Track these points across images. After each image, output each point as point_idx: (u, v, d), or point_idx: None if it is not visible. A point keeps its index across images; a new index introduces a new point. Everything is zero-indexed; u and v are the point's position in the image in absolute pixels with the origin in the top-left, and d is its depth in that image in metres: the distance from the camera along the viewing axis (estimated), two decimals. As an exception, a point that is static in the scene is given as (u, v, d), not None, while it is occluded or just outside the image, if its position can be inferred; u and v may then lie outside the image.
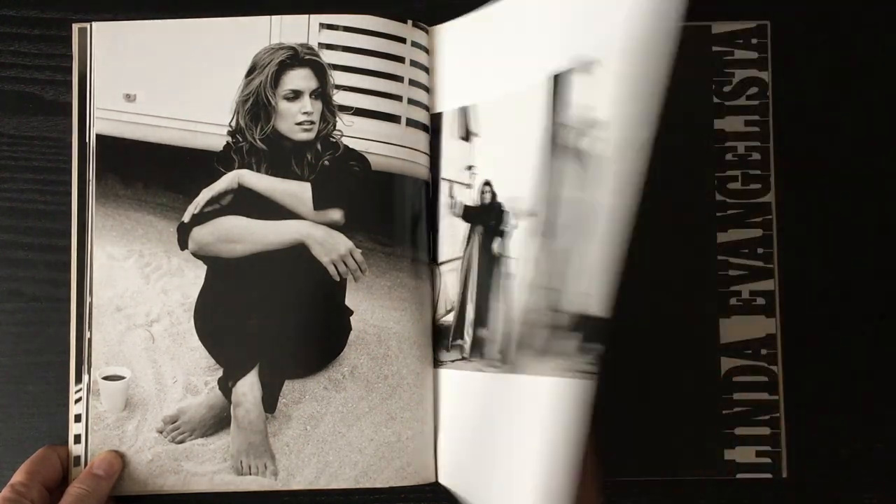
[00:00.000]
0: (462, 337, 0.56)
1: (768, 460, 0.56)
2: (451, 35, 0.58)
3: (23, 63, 0.60)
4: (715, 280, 0.57)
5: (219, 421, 0.56)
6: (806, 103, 0.60)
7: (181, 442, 0.56)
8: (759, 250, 0.58)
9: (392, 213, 0.57)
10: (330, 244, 0.56)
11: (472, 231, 0.56)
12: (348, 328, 0.56)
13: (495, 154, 0.55)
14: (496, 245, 0.54)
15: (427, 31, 0.58)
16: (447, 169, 0.58)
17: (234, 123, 0.57)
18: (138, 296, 0.57)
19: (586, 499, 0.47)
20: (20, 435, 0.57)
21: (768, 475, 0.56)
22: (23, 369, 0.58)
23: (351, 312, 0.56)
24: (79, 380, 0.56)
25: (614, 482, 0.58)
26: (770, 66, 0.59)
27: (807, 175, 0.59)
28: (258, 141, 0.57)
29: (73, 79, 0.58)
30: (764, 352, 0.57)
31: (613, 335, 0.57)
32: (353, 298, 0.57)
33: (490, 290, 0.55)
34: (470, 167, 0.56)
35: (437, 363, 0.57)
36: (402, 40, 0.58)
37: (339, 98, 0.57)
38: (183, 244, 0.57)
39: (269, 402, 0.56)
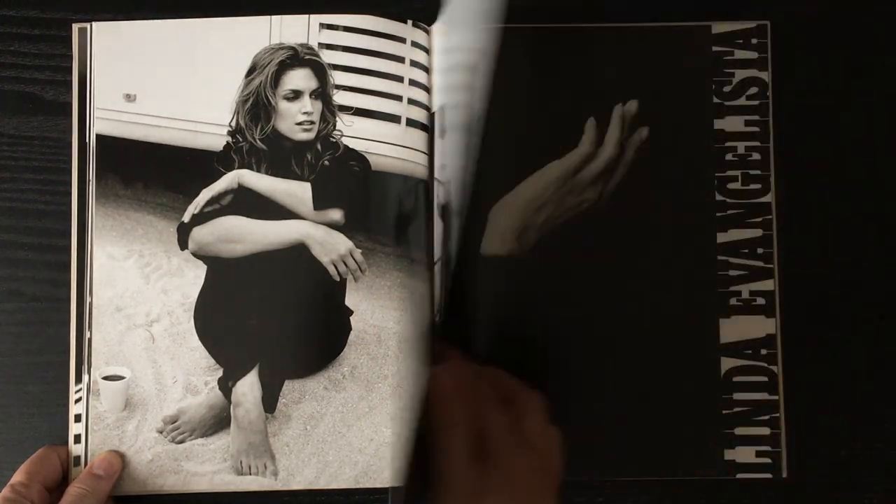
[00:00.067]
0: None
1: (768, 460, 0.56)
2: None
3: (23, 63, 0.60)
4: (715, 280, 0.57)
5: (219, 421, 0.56)
6: (806, 103, 0.60)
7: (181, 442, 0.56)
8: (759, 250, 0.58)
9: (392, 213, 0.57)
10: (330, 244, 0.56)
11: (446, 229, 0.56)
12: (348, 328, 0.56)
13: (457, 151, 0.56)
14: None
15: (427, 31, 0.58)
16: (438, 167, 0.58)
17: (234, 123, 0.57)
18: (138, 296, 0.57)
19: None
20: (20, 435, 0.57)
21: (768, 475, 0.56)
22: (23, 369, 0.58)
23: (351, 312, 0.56)
24: (79, 380, 0.56)
25: (614, 482, 0.58)
26: (770, 66, 0.59)
27: (807, 175, 0.59)
28: (258, 141, 0.57)
29: (73, 79, 0.58)
30: (764, 352, 0.57)
31: (613, 335, 0.57)
32: (353, 298, 0.57)
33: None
34: (443, 165, 0.57)
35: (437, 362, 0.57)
36: (402, 40, 0.58)
37: (339, 98, 0.57)
38: (183, 244, 0.57)
39: (269, 402, 0.56)
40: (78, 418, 0.55)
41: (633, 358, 0.57)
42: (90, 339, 0.56)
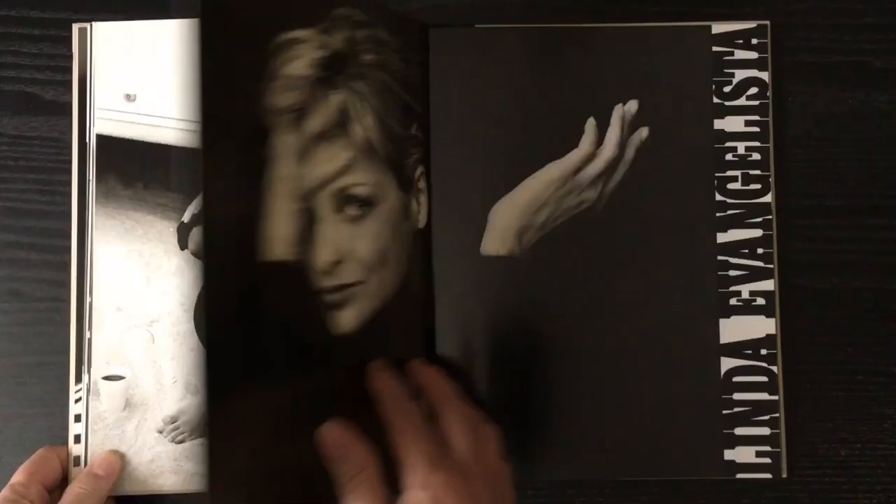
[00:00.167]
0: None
1: (768, 460, 0.56)
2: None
3: (23, 63, 0.60)
4: (715, 280, 0.57)
5: (219, 421, 0.56)
6: (806, 103, 0.60)
7: (181, 442, 0.56)
8: (759, 250, 0.58)
9: None
10: None
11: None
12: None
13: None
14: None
15: (427, 31, 0.58)
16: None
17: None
18: (138, 296, 0.57)
19: None
20: (20, 435, 0.57)
21: (768, 475, 0.56)
22: (23, 369, 0.58)
23: None
24: (79, 380, 0.56)
25: (614, 482, 0.58)
26: (770, 66, 0.59)
27: (807, 175, 0.59)
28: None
29: (73, 79, 0.58)
30: (764, 352, 0.57)
31: (613, 335, 0.57)
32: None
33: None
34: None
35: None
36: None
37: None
38: (183, 244, 0.57)
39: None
40: (78, 418, 0.55)
41: (633, 358, 0.57)
42: (90, 340, 0.56)
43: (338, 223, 0.51)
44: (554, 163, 0.58)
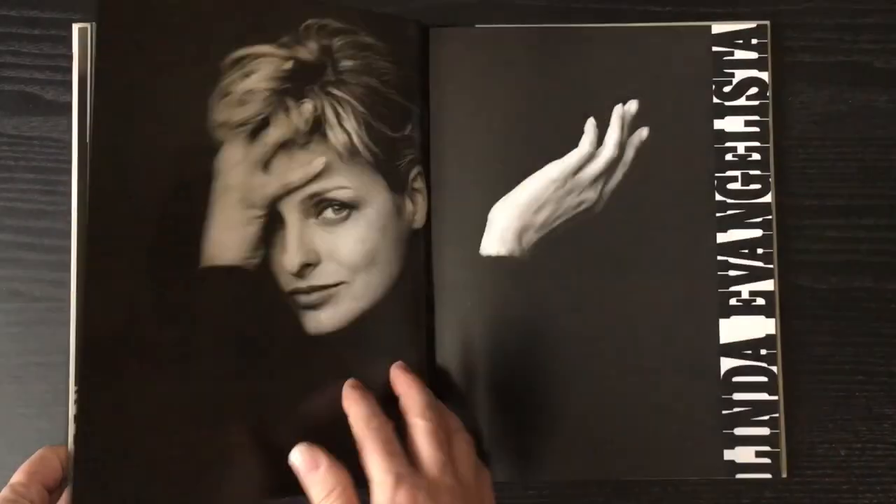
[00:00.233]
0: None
1: (768, 461, 0.56)
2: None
3: (23, 63, 0.60)
4: (715, 280, 0.57)
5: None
6: (806, 103, 0.60)
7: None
8: (759, 250, 0.58)
9: None
10: None
11: None
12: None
13: None
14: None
15: (427, 31, 0.58)
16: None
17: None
18: (138, 296, 0.57)
19: None
20: (20, 435, 0.57)
21: (768, 475, 0.56)
22: (23, 369, 0.58)
23: None
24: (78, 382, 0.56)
25: (614, 482, 0.58)
26: (770, 66, 0.59)
27: (807, 175, 0.59)
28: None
29: (73, 79, 0.58)
30: (763, 352, 0.57)
31: (612, 335, 0.57)
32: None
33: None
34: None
35: (436, 363, 0.57)
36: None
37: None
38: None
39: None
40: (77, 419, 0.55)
41: (633, 358, 0.57)
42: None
43: (311, 227, 0.53)
44: (554, 163, 0.58)
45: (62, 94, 0.59)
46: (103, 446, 0.49)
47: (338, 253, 0.54)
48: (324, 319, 0.54)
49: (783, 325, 0.58)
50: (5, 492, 0.51)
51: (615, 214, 0.57)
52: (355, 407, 0.50)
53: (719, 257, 0.57)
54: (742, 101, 0.58)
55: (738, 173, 0.58)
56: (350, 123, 0.54)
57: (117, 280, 0.50)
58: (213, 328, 0.51)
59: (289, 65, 0.53)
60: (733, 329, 0.57)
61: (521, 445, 0.56)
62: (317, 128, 0.54)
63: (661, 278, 0.57)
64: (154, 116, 0.50)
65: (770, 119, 0.59)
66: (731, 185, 0.58)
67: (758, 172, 0.58)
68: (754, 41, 0.59)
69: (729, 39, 0.59)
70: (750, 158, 0.58)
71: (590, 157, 0.58)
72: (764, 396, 0.57)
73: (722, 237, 0.58)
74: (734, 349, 0.57)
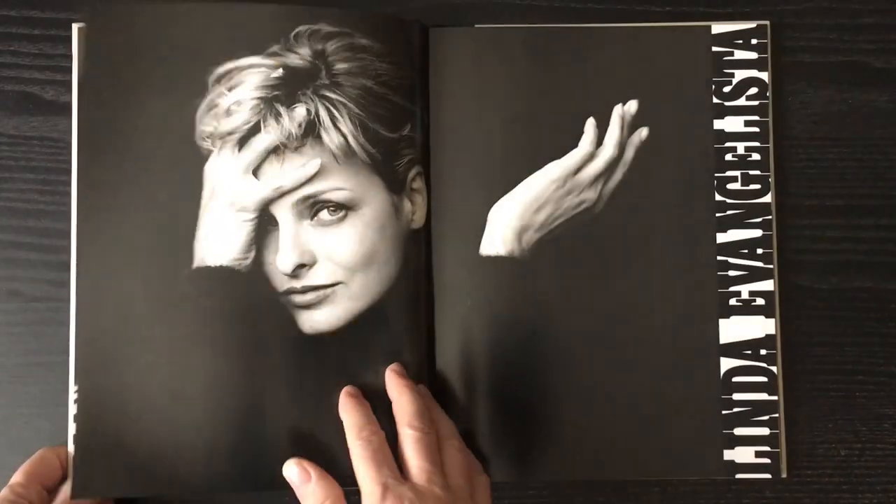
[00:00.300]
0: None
1: (767, 461, 0.56)
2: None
3: (23, 63, 0.60)
4: (714, 280, 0.57)
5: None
6: (806, 104, 0.60)
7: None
8: (759, 250, 0.58)
9: None
10: None
11: None
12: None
13: None
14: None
15: (427, 31, 0.58)
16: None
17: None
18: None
19: None
20: (20, 435, 0.57)
21: (767, 475, 0.56)
22: (23, 369, 0.58)
23: None
24: (77, 379, 0.56)
25: (614, 482, 0.58)
26: (770, 66, 0.59)
27: (807, 175, 0.59)
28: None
29: (73, 79, 0.58)
30: (763, 352, 0.57)
31: (612, 335, 0.57)
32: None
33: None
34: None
35: (436, 363, 0.57)
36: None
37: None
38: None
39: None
40: (77, 419, 0.55)
41: (633, 358, 0.57)
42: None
43: (306, 228, 0.54)
44: (554, 163, 0.58)
45: (62, 94, 0.59)
46: (102, 433, 0.53)
47: (334, 253, 0.55)
48: (320, 319, 0.55)
49: (783, 325, 0.58)
50: (5, 492, 0.51)
51: (615, 214, 0.57)
52: (349, 415, 0.51)
53: (719, 257, 0.57)
54: (742, 102, 0.58)
55: (737, 173, 0.58)
56: (345, 125, 0.55)
57: (114, 280, 0.54)
58: (206, 326, 0.54)
59: (278, 73, 0.55)
60: (733, 329, 0.57)
61: (521, 445, 0.56)
62: (311, 131, 0.54)
63: (660, 278, 0.57)
64: (143, 129, 0.54)
65: (770, 119, 0.59)
66: (731, 185, 0.58)
67: (758, 172, 0.58)
68: (754, 41, 0.59)
69: (729, 39, 0.59)
70: (750, 158, 0.58)
71: (590, 157, 0.58)
72: (764, 396, 0.57)
73: (722, 237, 0.58)
74: (734, 349, 0.57)
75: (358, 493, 0.49)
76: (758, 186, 0.58)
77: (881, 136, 0.59)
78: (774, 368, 0.57)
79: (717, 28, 0.59)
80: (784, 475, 0.57)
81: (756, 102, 0.58)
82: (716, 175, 0.58)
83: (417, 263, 0.56)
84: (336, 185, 0.55)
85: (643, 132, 0.58)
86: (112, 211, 0.54)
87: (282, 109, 0.54)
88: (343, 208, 0.55)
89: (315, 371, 0.54)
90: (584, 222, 0.57)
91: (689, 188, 0.58)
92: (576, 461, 0.56)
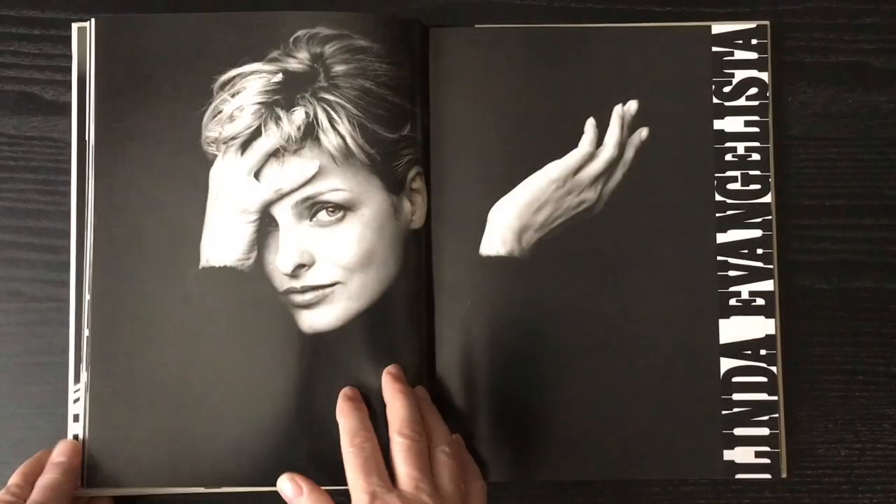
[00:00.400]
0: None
1: (767, 461, 0.56)
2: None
3: (23, 63, 0.60)
4: (714, 280, 0.57)
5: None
6: (806, 103, 0.60)
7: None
8: (759, 251, 0.58)
9: None
10: None
11: None
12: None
13: None
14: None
15: (427, 31, 0.58)
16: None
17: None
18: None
19: None
20: (20, 435, 0.57)
21: (767, 476, 0.56)
22: (23, 369, 0.58)
23: None
24: (77, 379, 0.56)
25: (614, 482, 0.58)
26: (770, 67, 0.59)
27: (807, 175, 0.59)
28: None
29: (73, 79, 0.58)
30: (763, 352, 0.57)
31: (612, 335, 0.57)
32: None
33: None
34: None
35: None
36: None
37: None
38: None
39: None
40: (76, 418, 0.55)
41: (633, 358, 0.57)
42: (88, 338, 0.56)
43: (305, 229, 0.55)
44: (554, 163, 0.58)
45: (62, 94, 0.59)
46: (112, 427, 0.55)
47: (333, 254, 0.55)
48: (319, 319, 0.55)
49: (783, 326, 0.58)
50: (2, 493, 0.51)
51: (615, 214, 0.57)
52: (344, 419, 0.52)
53: (719, 257, 0.57)
54: (742, 102, 0.58)
55: (737, 173, 0.58)
56: (344, 126, 0.55)
57: (126, 280, 0.55)
58: (212, 325, 0.55)
59: (278, 77, 0.56)
60: (733, 329, 0.57)
61: (521, 445, 0.56)
62: (310, 133, 0.55)
63: (660, 278, 0.57)
64: (153, 136, 0.56)
65: (770, 119, 0.59)
66: (730, 186, 0.58)
67: (758, 172, 0.58)
68: (754, 41, 0.59)
69: (729, 40, 0.59)
70: (750, 158, 0.58)
71: (590, 157, 0.58)
72: (763, 397, 0.57)
73: (722, 237, 0.57)
74: (734, 349, 0.57)
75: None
76: (758, 186, 0.58)
77: (881, 136, 0.59)
78: (774, 368, 0.57)
79: (717, 28, 0.59)
80: (784, 475, 0.57)
81: (756, 102, 0.58)
82: (716, 175, 0.58)
83: (417, 263, 0.56)
84: (334, 186, 0.55)
85: (643, 132, 0.58)
86: (124, 214, 0.56)
87: (281, 113, 0.55)
88: (341, 209, 0.55)
89: (314, 370, 0.55)
90: (584, 222, 0.57)
91: (689, 188, 0.58)
92: (576, 461, 0.56)
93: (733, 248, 0.57)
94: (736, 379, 0.57)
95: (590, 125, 0.58)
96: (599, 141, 0.58)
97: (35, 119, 0.59)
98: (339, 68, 0.56)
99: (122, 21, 0.57)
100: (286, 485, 0.50)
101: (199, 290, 0.55)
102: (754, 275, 0.57)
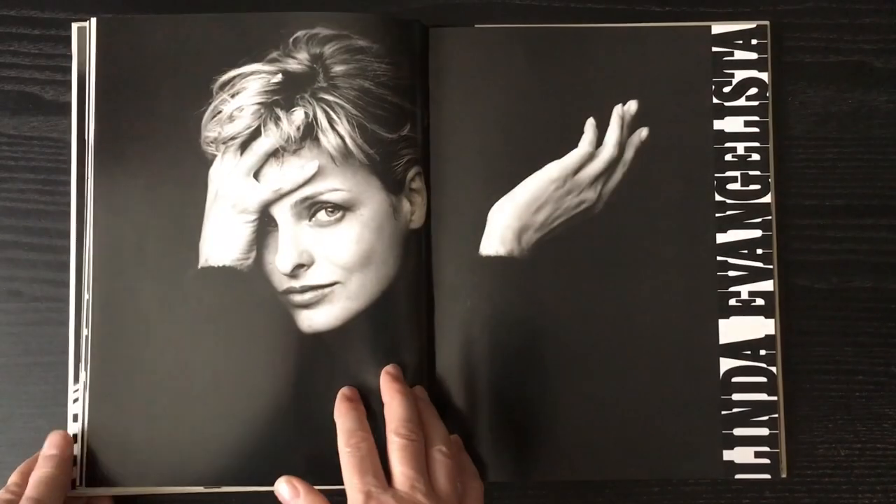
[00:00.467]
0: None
1: (767, 461, 0.56)
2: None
3: (23, 63, 0.60)
4: (714, 281, 0.57)
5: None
6: (806, 103, 0.60)
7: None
8: (759, 251, 0.58)
9: None
10: None
11: None
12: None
13: None
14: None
15: (427, 31, 0.58)
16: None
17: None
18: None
19: None
20: (20, 435, 0.57)
21: (767, 476, 0.56)
22: (23, 369, 0.58)
23: None
24: (76, 379, 0.56)
25: (614, 482, 0.58)
26: (770, 67, 0.59)
27: (806, 175, 0.59)
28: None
29: (73, 79, 0.58)
30: (763, 352, 0.57)
31: (612, 335, 0.57)
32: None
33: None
34: None
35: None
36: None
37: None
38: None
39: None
40: (76, 418, 0.55)
41: (632, 358, 0.57)
42: (87, 338, 0.56)
43: (304, 229, 0.55)
44: (553, 163, 0.58)
45: (62, 94, 0.59)
46: (111, 426, 0.55)
47: (332, 253, 0.55)
48: (317, 318, 0.55)
49: (783, 326, 0.58)
50: (2, 492, 0.51)
51: (615, 214, 0.57)
52: (342, 419, 0.52)
53: (719, 258, 0.57)
54: (742, 102, 0.58)
55: (737, 173, 0.58)
56: (343, 127, 0.55)
57: (125, 279, 0.56)
58: (211, 325, 0.55)
59: (277, 78, 0.56)
60: (733, 329, 0.57)
61: (520, 445, 0.56)
62: (309, 133, 0.55)
63: (660, 279, 0.57)
64: (153, 136, 0.56)
65: (770, 119, 0.58)
66: (730, 186, 0.58)
67: (757, 173, 0.58)
68: (754, 41, 0.59)
69: (729, 40, 0.59)
70: (750, 159, 0.58)
71: (589, 157, 0.58)
72: (763, 397, 0.57)
73: (721, 237, 0.57)
74: (733, 350, 0.57)
75: None
76: (758, 187, 0.58)
77: (881, 136, 0.59)
78: (774, 369, 0.57)
79: (717, 28, 0.59)
80: (784, 475, 0.57)
81: (756, 103, 0.58)
82: (716, 175, 0.58)
83: (416, 263, 0.56)
84: (333, 186, 0.55)
85: (643, 132, 0.58)
86: (124, 213, 0.56)
87: (281, 113, 0.55)
88: (341, 209, 0.55)
89: (313, 369, 0.55)
90: (583, 222, 0.57)
91: (689, 188, 0.58)
92: (576, 461, 0.56)
93: (733, 249, 0.57)
94: (735, 379, 0.57)
95: (590, 125, 0.58)
96: (599, 141, 0.58)
97: (35, 119, 0.59)
98: (338, 69, 0.56)
99: (122, 21, 0.57)
100: (283, 487, 0.51)
101: (198, 289, 0.55)
102: (754, 275, 0.57)
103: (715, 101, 0.58)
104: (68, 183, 0.58)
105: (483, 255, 0.57)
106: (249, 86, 0.56)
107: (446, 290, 0.57)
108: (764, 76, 0.59)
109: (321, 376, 0.55)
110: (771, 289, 0.57)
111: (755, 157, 0.58)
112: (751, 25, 0.59)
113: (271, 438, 0.55)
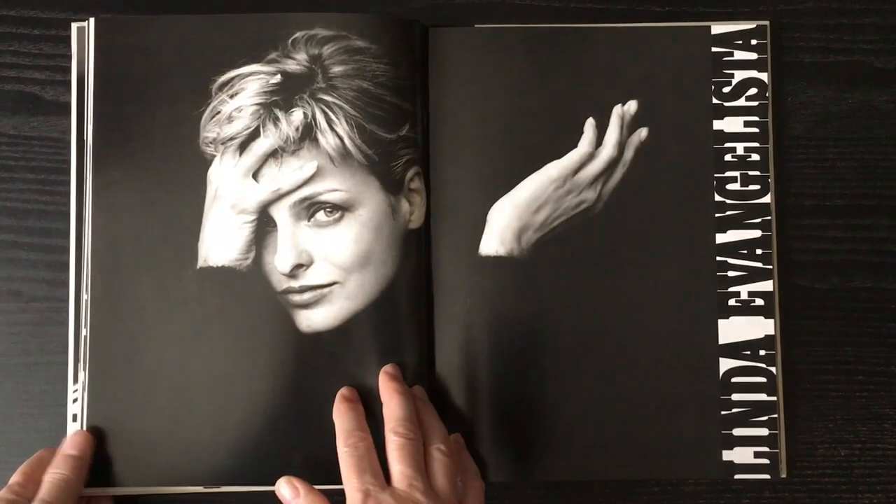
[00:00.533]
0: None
1: (766, 461, 0.56)
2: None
3: (23, 63, 0.60)
4: (714, 281, 0.57)
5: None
6: (806, 103, 0.60)
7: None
8: (758, 251, 0.58)
9: None
10: None
11: None
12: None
13: None
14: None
15: (426, 31, 0.58)
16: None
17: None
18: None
19: None
20: (20, 435, 0.57)
21: (766, 476, 0.56)
22: (23, 369, 0.58)
23: None
24: (76, 379, 0.56)
25: (614, 482, 0.58)
26: (770, 67, 0.59)
27: (806, 175, 0.59)
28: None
29: (73, 79, 0.58)
30: (762, 353, 0.57)
31: (612, 335, 0.57)
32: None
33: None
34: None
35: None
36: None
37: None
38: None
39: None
40: (75, 418, 0.56)
41: (632, 358, 0.57)
42: (87, 338, 0.56)
43: (303, 229, 0.55)
44: (553, 163, 0.58)
45: (62, 94, 0.59)
46: (112, 426, 0.55)
47: (330, 254, 0.55)
48: (316, 318, 0.56)
49: (782, 326, 0.58)
50: (3, 492, 0.51)
51: (614, 214, 0.57)
52: (340, 419, 0.52)
53: (718, 258, 0.57)
54: (741, 102, 0.58)
55: (737, 174, 0.58)
56: (342, 127, 0.55)
57: (124, 279, 0.56)
58: (210, 325, 0.55)
59: (276, 79, 0.56)
60: (732, 330, 0.57)
61: (520, 445, 0.56)
62: (308, 134, 0.55)
63: (660, 279, 0.57)
64: (152, 137, 0.56)
65: (769, 119, 0.58)
66: (730, 186, 0.58)
67: (757, 173, 0.58)
68: (754, 41, 0.59)
69: (728, 40, 0.59)
70: (749, 159, 0.58)
71: (589, 157, 0.58)
72: (763, 397, 0.57)
73: (721, 238, 0.57)
74: (733, 350, 0.57)
75: None
76: (757, 187, 0.58)
77: (881, 136, 0.59)
78: (773, 369, 0.57)
79: (717, 28, 0.59)
80: (783, 475, 0.57)
81: (756, 103, 0.58)
82: (715, 175, 0.58)
83: (416, 264, 0.56)
84: (332, 187, 0.55)
85: (643, 132, 0.58)
86: (123, 213, 0.56)
87: (280, 114, 0.55)
88: (339, 209, 0.55)
89: (312, 369, 0.55)
90: (583, 222, 0.57)
91: (688, 188, 0.58)
92: (576, 461, 0.56)
93: (733, 249, 0.57)
94: (735, 379, 0.57)
95: (589, 125, 0.58)
96: (599, 141, 0.58)
97: (35, 119, 0.59)
98: (337, 69, 0.56)
99: (121, 21, 0.57)
100: (283, 487, 0.51)
101: (197, 289, 0.55)
102: (754, 275, 0.57)
103: (715, 101, 0.58)
104: (68, 183, 0.58)
105: (483, 255, 0.57)
106: (248, 86, 0.56)
107: (446, 291, 0.57)
108: (764, 76, 0.59)
109: (320, 376, 0.55)
110: (771, 289, 0.57)
111: (755, 157, 0.58)
112: (750, 25, 0.59)
113: (270, 438, 0.55)
